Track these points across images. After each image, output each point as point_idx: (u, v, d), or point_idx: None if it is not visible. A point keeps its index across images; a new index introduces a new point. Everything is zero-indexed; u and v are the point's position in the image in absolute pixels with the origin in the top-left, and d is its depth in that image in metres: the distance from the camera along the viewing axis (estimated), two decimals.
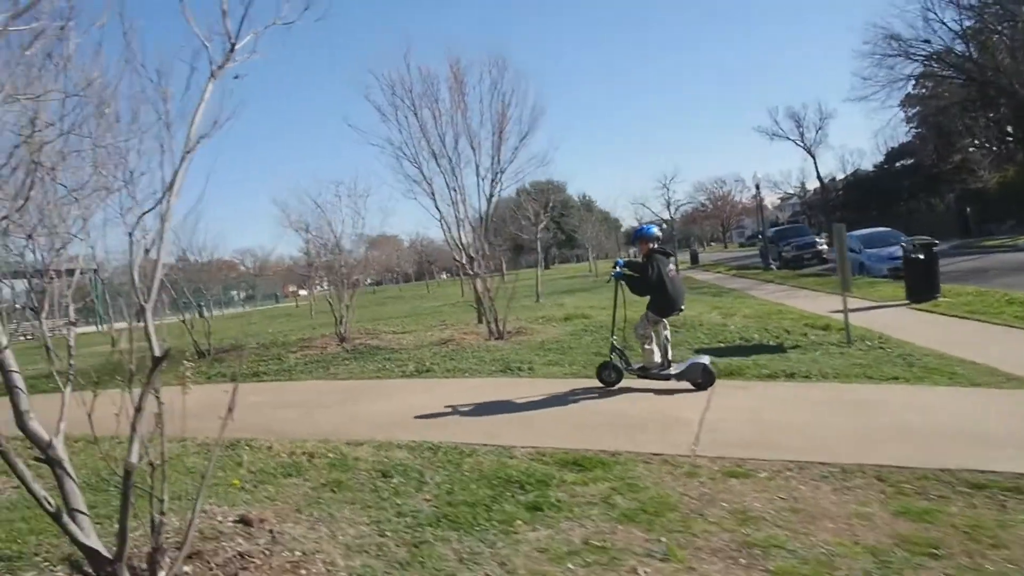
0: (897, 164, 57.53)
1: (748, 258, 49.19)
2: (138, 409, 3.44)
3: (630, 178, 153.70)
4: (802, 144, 67.06)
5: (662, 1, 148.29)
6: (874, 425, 6.13)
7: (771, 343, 10.81)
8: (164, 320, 4.37)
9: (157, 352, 3.41)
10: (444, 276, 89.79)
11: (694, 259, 55.71)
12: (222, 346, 16.72)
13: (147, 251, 3.59)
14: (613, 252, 55.78)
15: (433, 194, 16.43)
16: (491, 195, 16.42)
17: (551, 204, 24.60)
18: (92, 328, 46.65)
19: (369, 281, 16.95)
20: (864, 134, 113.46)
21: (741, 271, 35.84)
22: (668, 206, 43.48)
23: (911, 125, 54.42)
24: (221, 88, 3.60)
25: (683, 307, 8.75)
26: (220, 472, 6.08)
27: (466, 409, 8.17)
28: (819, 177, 67.93)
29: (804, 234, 38.38)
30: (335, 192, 16.10)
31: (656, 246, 8.63)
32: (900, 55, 44.00)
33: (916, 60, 44.52)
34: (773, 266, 33.55)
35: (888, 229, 24.71)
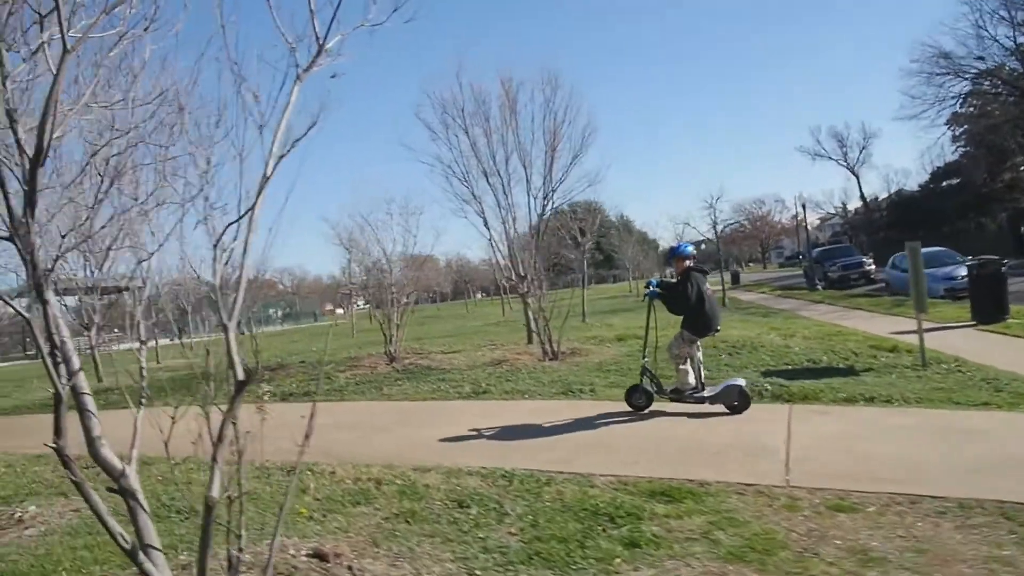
0: (943, 184, 56.20)
1: (790, 278, 48.29)
2: (219, 439, 3.17)
3: (668, 198, 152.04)
4: (845, 164, 66.16)
5: (698, 22, 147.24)
6: (978, 455, 5.70)
7: (840, 365, 10.37)
8: (205, 337, 4.14)
9: (240, 375, 3.14)
10: (480, 296, 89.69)
11: (735, 279, 54.80)
12: (268, 364, 16.56)
13: (225, 264, 3.34)
14: (651, 272, 55.08)
15: (483, 212, 16.30)
16: (542, 214, 16.16)
17: (597, 224, 24.30)
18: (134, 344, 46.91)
19: (405, 300, 16.77)
20: (909, 154, 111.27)
21: (786, 291, 35.10)
22: (714, 226, 42.73)
23: (958, 144, 53.18)
24: (317, 88, 3.34)
25: (719, 328, 8.52)
26: (283, 498, 5.80)
27: (532, 433, 7.86)
28: (863, 197, 66.77)
29: (851, 254, 37.37)
30: (387, 210, 15.94)
31: (692, 264, 8.46)
32: (949, 73, 43.23)
33: (966, 78, 43.68)
34: (819, 286, 32.81)
35: (943, 249, 23.94)
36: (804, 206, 39.29)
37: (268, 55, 3.44)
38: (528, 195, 16.17)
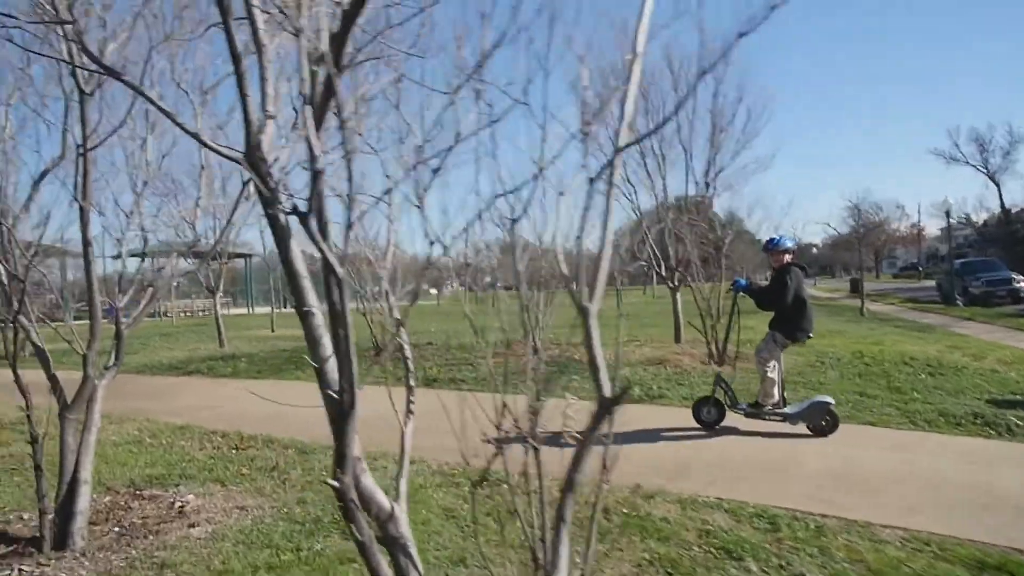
0: None
1: (912, 290, 44.87)
2: (569, 483, 2.11)
3: (781, 195, 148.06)
4: (985, 170, 61.48)
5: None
6: None
7: None
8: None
9: (607, 390, 2.06)
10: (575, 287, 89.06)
11: (853, 288, 51.75)
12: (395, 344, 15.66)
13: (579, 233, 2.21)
14: (760, 269, 52.78)
15: (635, 195, 15.29)
16: (702, 200, 14.95)
17: (734, 219, 22.67)
18: (242, 310, 47.42)
19: (500, 284, 16.03)
20: None
21: (919, 305, 32.31)
22: (858, 227, 40.38)
23: None
24: None
25: (812, 334, 7.66)
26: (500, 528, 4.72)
27: (747, 453, 6.77)
28: (1003, 206, 61.85)
29: (996, 269, 33.82)
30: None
31: (792, 259, 7.69)
32: None
33: None
34: (959, 302, 29.92)
35: None
36: (948, 213, 35.71)
37: None
38: (687, 180, 14.97)
